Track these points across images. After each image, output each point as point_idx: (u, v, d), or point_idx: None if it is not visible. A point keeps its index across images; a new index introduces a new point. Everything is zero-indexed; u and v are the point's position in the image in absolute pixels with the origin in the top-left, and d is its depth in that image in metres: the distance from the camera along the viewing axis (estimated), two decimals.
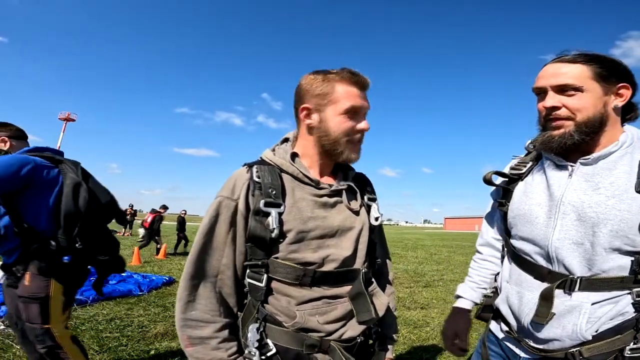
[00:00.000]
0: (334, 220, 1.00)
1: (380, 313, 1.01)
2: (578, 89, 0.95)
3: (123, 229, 19.04)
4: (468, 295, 1.28)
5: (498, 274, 1.25)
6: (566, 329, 0.95)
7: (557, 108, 0.97)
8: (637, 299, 0.92)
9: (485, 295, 1.25)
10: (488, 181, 1.16)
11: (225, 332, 0.95)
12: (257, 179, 0.96)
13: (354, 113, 1.00)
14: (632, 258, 0.90)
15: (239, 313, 1.00)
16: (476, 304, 1.28)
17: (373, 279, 1.10)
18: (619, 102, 0.98)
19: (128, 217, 18.90)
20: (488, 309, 1.21)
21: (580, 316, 0.93)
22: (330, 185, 1.03)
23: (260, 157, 1.06)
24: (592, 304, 0.93)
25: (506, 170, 1.18)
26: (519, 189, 1.12)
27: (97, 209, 1.90)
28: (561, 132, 0.97)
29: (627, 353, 0.92)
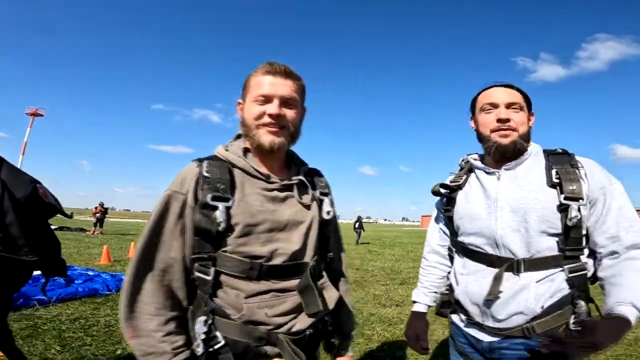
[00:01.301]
0: (283, 214, 1.01)
1: (330, 306, 1.05)
2: (521, 108, 1.22)
3: (93, 228, 18.30)
4: (422, 299, 1.47)
5: (449, 273, 1.42)
6: (520, 306, 1.12)
7: (509, 120, 1.20)
8: (570, 275, 1.12)
9: (441, 294, 1.43)
10: (436, 192, 1.40)
11: (172, 326, 0.94)
12: (206, 174, 0.97)
13: (265, 100, 1.02)
14: (557, 239, 1.13)
15: (190, 307, 0.99)
16: (429, 306, 1.47)
17: (324, 273, 1.12)
18: (531, 124, 1.28)
19: (98, 215, 18.31)
20: (446, 305, 1.39)
21: (529, 293, 1.12)
22: (281, 180, 1.05)
23: (213, 154, 1.07)
24: (536, 281, 1.12)
25: (447, 182, 1.40)
26: (460, 196, 1.34)
27: (14, 207, 1.70)
28: (511, 139, 1.19)
29: (572, 327, 1.10)
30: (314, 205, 1.09)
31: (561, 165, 1.16)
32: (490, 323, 1.19)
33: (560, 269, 1.13)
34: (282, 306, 0.98)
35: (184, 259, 0.96)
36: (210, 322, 0.94)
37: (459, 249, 1.33)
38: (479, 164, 1.30)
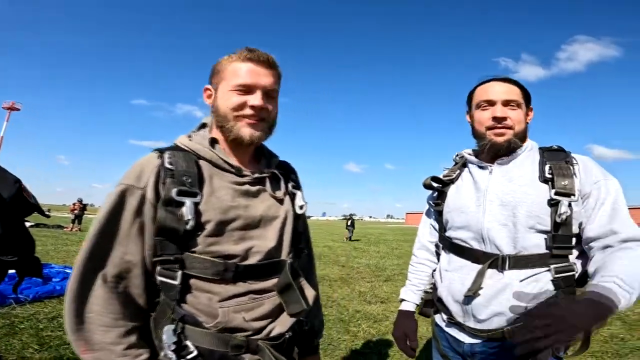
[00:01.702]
0: (256, 210, 0.95)
1: (310, 304, 0.98)
2: (519, 105, 1.19)
3: (71, 224, 17.78)
4: (410, 297, 1.42)
5: (434, 270, 1.38)
6: (501, 306, 1.08)
7: (505, 118, 1.17)
8: (556, 275, 1.06)
9: (425, 292, 1.39)
10: (428, 185, 1.37)
11: (133, 338, 0.84)
12: (169, 166, 0.88)
13: (245, 90, 0.94)
14: (545, 236, 1.09)
15: (152, 314, 0.90)
16: (418, 304, 1.41)
17: (300, 270, 1.04)
18: (529, 120, 1.24)
19: (76, 211, 17.79)
20: (429, 304, 1.35)
21: (511, 293, 1.07)
22: (253, 173, 0.98)
23: (174, 143, 0.97)
24: (520, 281, 1.08)
25: (440, 177, 1.37)
26: (452, 190, 1.32)
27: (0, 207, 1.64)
28: (505, 138, 1.17)
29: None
30: (287, 199, 1.04)
31: (556, 161, 1.13)
32: (471, 323, 1.15)
33: (547, 268, 1.07)
34: (261, 309, 0.91)
35: (144, 262, 0.86)
36: (179, 330, 0.84)
37: (446, 244, 1.30)
38: (472, 158, 1.28)
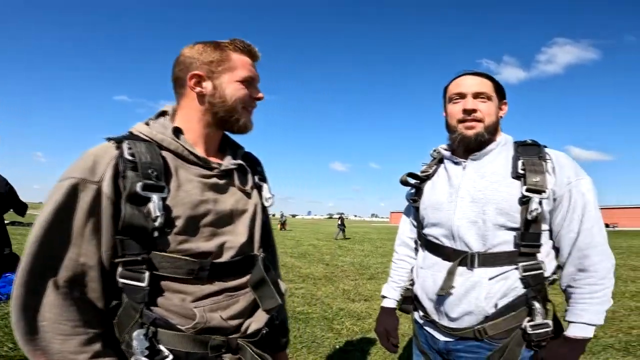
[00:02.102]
0: (226, 204, 0.91)
1: (282, 301, 0.96)
2: (489, 98, 1.18)
3: None
4: (391, 294, 1.42)
5: (413, 267, 1.39)
6: (471, 305, 1.09)
7: (475, 111, 1.16)
8: (524, 273, 1.07)
9: (405, 288, 1.39)
10: (404, 182, 1.36)
11: (97, 346, 0.77)
12: (130, 157, 0.80)
13: (249, 82, 0.96)
14: (515, 233, 1.09)
15: (115, 319, 0.83)
16: (399, 301, 1.41)
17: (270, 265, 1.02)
18: (502, 114, 1.24)
19: None
20: (408, 301, 1.35)
21: (481, 291, 1.09)
22: (220, 165, 0.94)
23: (130, 132, 0.89)
24: (489, 279, 1.09)
25: (418, 173, 1.37)
26: (428, 186, 1.32)
27: None
28: (475, 131, 1.16)
29: (529, 330, 1.06)
30: (255, 192, 1.01)
31: (529, 157, 1.12)
32: (444, 322, 1.16)
33: (515, 266, 1.08)
34: (236, 306, 0.89)
35: (101, 264, 0.79)
36: (150, 335, 0.79)
37: (422, 241, 1.30)
38: (447, 153, 1.27)
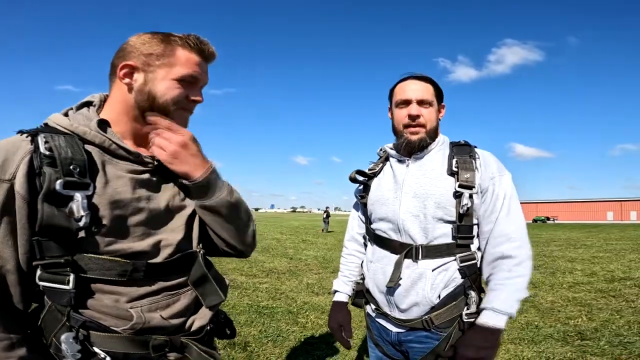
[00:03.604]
0: (160, 200, 0.86)
1: (225, 297, 0.95)
2: (430, 104, 1.27)
3: None
4: (342, 288, 1.46)
5: (363, 262, 1.44)
6: (418, 295, 1.17)
7: (418, 116, 1.25)
8: (461, 264, 1.17)
9: (356, 283, 1.43)
10: (352, 179, 1.42)
11: (22, 350, 0.73)
12: (46, 152, 0.73)
13: (190, 83, 0.87)
14: (452, 226, 1.19)
15: (41, 323, 0.79)
16: (350, 295, 1.44)
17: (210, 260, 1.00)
18: (441, 116, 1.34)
19: None
20: (360, 295, 1.40)
21: (426, 282, 1.16)
22: (153, 159, 0.87)
23: (45, 124, 0.82)
24: (432, 270, 1.17)
25: (366, 170, 1.42)
26: (375, 182, 1.38)
27: None
28: (419, 137, 1.25)
29: (464, 318, 1.15)
30: None
31: (461, 156, 1.23)
32: (395, 314, 1.23)
33: (453, 257, 1.18)
34: (178, 304, 0.86)
35: (19, 267, 0.74)
36: (82, 338, 0.75)
37: (371, 236, 1.37)
38: (393, 152, 1.34)
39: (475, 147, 1.28)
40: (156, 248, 0.84)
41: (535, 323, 3.99)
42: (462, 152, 1.25)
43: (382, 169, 1.39)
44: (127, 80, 0.84)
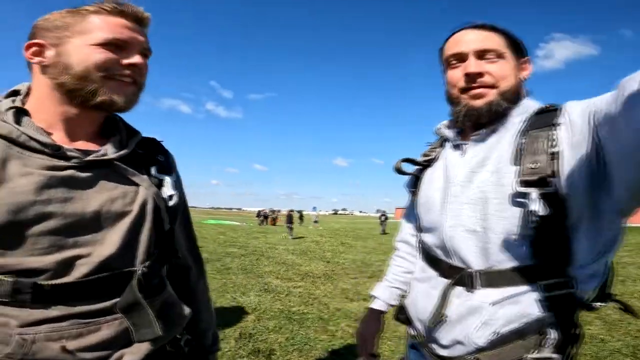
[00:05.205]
0: (87, 204, 0.72)
1: (177, 329, 0.82)
2: (500, 56, 0.88)
3: None
4: (380, 294, 1.18)
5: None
6: (466, 332, 0.84)
7: (481, 75, 0.87)
8: (546, 294, 0.78)
9: (402, 296, 1.15)
10: (398, 169, 1.08)
11: None
12: None
13: (117, 47, 0.75)
14: (526, 242, 0.79)
15: None
16: (390, 304, 1.17)
17: (167, 282, 0.84)
18: (525, 75, 0.93)
19: None
20: (404, 311, 1.09)
21: (479, 318, 0.82)
22: (87, 153, 0.74)
23: None
24: (492, 304, 0.81)
25: (418, 158, 1.08)
26: (428, 175, 1.04)
27: None
28: (485, 101, 0.87)
29: None
30: (150, 189, 0.81)
31: (538, 129, 0.79)
32: (434, 347, 0.94)
33: (531, 286, 0.80)
34: (96, 335, 0.71)
35: None
36: None
37: (420, 247, 1.08)
38: (447, 132, 0.99)
39: (564, 106, 0.81)
40: (66, 265, 0.69)
41: (601, 336, 3.55)
42: (542, 123, 0.80)
43: (438, 156, 1.04)
44: (37, 59, 0.74)
